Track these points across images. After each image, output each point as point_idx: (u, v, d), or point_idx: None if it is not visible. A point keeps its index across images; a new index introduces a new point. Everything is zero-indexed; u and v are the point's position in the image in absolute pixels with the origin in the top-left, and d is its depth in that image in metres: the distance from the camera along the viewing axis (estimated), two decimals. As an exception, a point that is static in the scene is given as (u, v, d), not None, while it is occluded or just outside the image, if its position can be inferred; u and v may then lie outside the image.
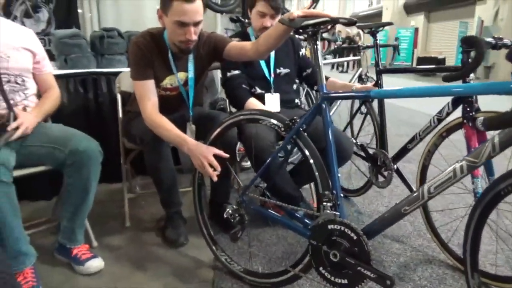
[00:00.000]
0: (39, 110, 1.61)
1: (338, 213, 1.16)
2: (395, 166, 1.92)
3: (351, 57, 3.32)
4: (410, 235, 1.88)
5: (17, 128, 1.46)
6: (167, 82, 1.75)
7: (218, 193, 1.94)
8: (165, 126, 1.57)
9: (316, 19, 1.19)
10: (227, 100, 2.42)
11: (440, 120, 1.64)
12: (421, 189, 1.02)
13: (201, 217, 1.66)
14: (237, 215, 1.43)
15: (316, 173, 1.22)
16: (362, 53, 3.16)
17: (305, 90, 2.89)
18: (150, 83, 1.66)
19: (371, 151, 2.04)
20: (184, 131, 1.71)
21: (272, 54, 2.03)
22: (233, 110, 2.20)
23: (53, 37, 2.49)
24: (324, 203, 1.18)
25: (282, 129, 1.31)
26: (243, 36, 2.04)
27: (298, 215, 1.33)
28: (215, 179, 1.40)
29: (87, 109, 2.41)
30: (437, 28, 16.82)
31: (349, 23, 1.15)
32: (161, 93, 1.75)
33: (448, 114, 1.60)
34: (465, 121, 1.46)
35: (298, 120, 1.28)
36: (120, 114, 2.05)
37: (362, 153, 2.10)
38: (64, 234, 1.59)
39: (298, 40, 2.23)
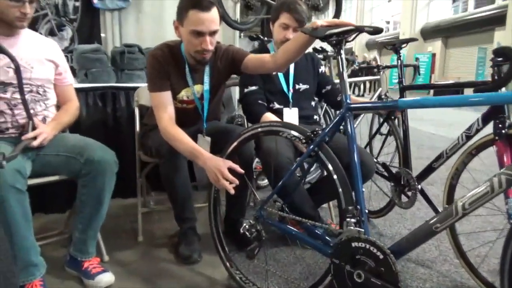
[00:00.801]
0: (57, 123, 1.61)
1: (362, 230, 1.08)
2: (420, 186, 1.83)
3: (370, 77, 3.28)
4: (435, 260, 1.77)
5: (34, 138, 1.45)
6: (183, 94, 1.74)
7: (233, 209, 1.87)
8: (181, 138, 1.54)
9: (340, 28, 1.15)
10: (244, 117, 2.40)
11: (469, 137, 1.56)
12: (455, 205, 0.94)
13: (216, 233, 1.60)
14: (254, 230, 1.37)
15: (339, 187, 1.16)
16: (381, 73, 3.12)
17: (324, 108, 2.85)
18: (167, 95, 1.64)
19: (393, 170, 1.96)
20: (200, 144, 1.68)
21: (292, 69, 2.01)
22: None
23: (75, 51, 2.53)
24: (348, 219, 1.11)
25: (304, 141, 1.26)
26: (263, 52, 2.02)
27: (318, 232, 1.25)
28: (232, 191, 1.35)
29: (105, 123, 2.42)
30: (455, 53, 16.69)
31: (375, 31, 1.11)
32: (178, 106, 1.73)
33: (477, 131, 1.52)
34: (497, 138, 1.39)
35: (320, 132, 1.23)
36: (138, 128, 2.04)
37: (384, 172, 2.02)
38: (76, 246, 1.55)
39: (318, 57, 2.20)
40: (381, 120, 2.20)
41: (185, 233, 1.79)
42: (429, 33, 17.13)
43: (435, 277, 1.63)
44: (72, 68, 2.28)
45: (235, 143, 1.49)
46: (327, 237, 1.22)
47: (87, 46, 2.56)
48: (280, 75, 1.99)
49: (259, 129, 1.40)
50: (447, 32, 16.30)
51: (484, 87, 1.35)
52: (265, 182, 2.74)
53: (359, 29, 1.13)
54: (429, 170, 1.78)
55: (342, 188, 1.16)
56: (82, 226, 1.52)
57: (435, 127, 6.06)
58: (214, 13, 1.51)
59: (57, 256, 1.72)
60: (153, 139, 1.75)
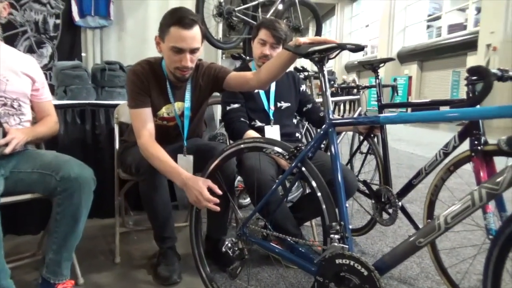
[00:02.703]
0: (31, 129, 1.56)
1: (347, 246, 1.07)
2: (400, 203, 1.85)
3: (351, 97, 3.35)
4: (417, 277, 1.77)
5: (6, 145, 1.40)
6: (164, 111, 1.72)
7: (215, 228, 1.83)
8: (160, 156, 1.51)
9: (322, 45, 1.17)
10: (226, 135, 2.39)
11: (446, 154, 1.59)
12: (437, 219, 0.95)
13: (198, 252, 1.56)
14: (236, 249, 1.34)
15: (323, 203, 1.15)
16: (361, 93, 3.20)
17: (305, 127, 2.87)
18: (147, 111, 1.62)
19: (374, 188, 1.97)
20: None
21: (273, 87, 2.03)
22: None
23: (54, 67, 2.49)
24: (332, 236, 1.09)
25: (287, 157, 1.25)
26: (245, 70, 2.04)
27: (302, 250, 1.24)
28: (217, 209, 1.33)
29: (84, 141, 2.36)
30: (430, 77, 17.30)
31: (357, 49, 1.13)
32: (158, 123, 1.71)
33: (454, 147, 1.56)
34: (473, 154, 1.42)
35: (303, 148, 1.23)
36: (117, 145, 2.00)
37: (366, 190, 2.03)
38: (49, 268, 1.47)
39: (299, 76, 2.24)
40: (361, 138, 2.23)
41: (165, 253, 1.73)
42: (405, 56, 17.74)
43: (418, 295, 1.62)
44: (51, 86, 2.24)
45: (217, 160, 1.48)
46: (310, 255, 1.19)
47: (67, 62, 2.53)
48: (262, 93, 2.01)
49: (242, 146, 1.39)
50: (423, 56, 16.93)
51: (460, 105, 1.39)
52: (247, 201, 2.71)
53: (341, 46, 1.15)
54: (409, 187, 1.80)
55: (326, 204, 1.15)
56: (56, 246, 1.45)
57: (413, 147, 6.19)
58: (196, 31, 1.52)
59: (28, 279, 1.64)
60: (132, 156, 1.71)
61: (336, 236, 1.09)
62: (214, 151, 1.70)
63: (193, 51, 1.54)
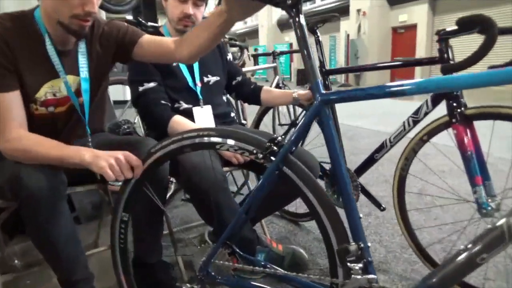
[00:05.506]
0: None
1: (374, 277, 0.76)
2: (358, 181, 1.63)
3: (267, 65, 3.05)
4: (389, 261, 1.60)
5: None
6: (47, 91, 1.14)
7: (146, 250, 1.34)
8: (40, 142, 1.04)
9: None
10: (133, 123, 1.89)
11: (416, 122, 1.39)
12: (504, 225, 0.68)
13: (126, 281, 1.10)
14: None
15: (327, 220, 0.81)
16: (277, 60, 2.93)
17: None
18: (13, 96, 1.06)
19: (327, 167, 1.72)
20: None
21: (196, 58, 1.57)
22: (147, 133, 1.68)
23: None
24: (350, 264, 0.76)
25: (260, 155, 0.87)
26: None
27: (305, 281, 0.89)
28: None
29: None
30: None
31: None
32: (39, 112, 1.15)
33: (426, 114, 1.36)
34: (453, 120, 1.23)
35: (280, 140, 0.87)
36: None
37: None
38: None
39: (223, 43, 1.82)
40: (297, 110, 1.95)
41: (81, 301, 1.22)
42: (285, 23, 18.37)
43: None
44: None
45: (145, 166, 1.03)
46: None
47: None
48: (183, 66, 1.55)
49: (183, 142, 0.96)
50: (300, 22, 17.82)
51: (453, 65, 1.17)
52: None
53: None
54: (369, 161, 1.58)
55: (331, 222, 0.80)
56: None
57: (376, 124, 5.24)
58: None
59: None
60: (3, 174, 1.10)
61: (358, 265, 0.76)
62: (138, 150, 1.21)
63: None
